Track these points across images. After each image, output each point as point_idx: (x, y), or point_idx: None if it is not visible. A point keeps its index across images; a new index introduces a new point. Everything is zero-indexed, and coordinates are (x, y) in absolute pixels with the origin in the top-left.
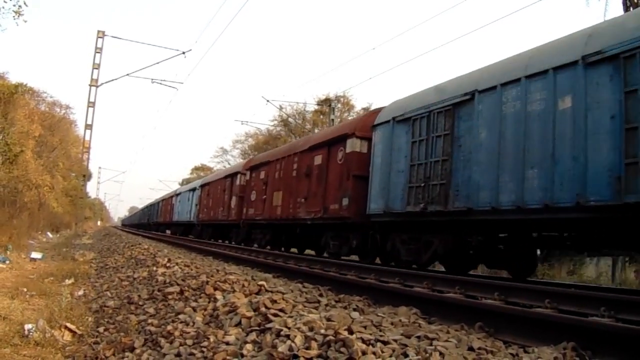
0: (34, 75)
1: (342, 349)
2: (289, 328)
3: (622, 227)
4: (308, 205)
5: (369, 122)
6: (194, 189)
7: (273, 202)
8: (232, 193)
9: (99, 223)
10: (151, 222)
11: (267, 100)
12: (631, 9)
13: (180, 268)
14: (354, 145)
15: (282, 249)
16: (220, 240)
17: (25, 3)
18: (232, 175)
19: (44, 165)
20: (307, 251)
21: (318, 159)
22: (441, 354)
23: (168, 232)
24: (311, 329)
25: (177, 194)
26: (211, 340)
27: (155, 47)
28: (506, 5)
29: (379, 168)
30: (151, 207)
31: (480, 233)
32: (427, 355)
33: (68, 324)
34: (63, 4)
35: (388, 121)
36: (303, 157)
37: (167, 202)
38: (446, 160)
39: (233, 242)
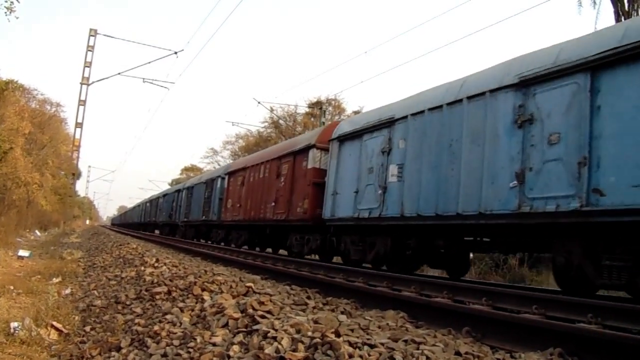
0: (25, 72)
1: (329, 352)
2: (276, 330)
3: None
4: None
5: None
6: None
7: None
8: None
9: (87, 222)
10: (176, 221)
11: (258, 102)
12: (622, 18)
13: (168, 268)
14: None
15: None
16: None
17: None
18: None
19: (33, 163)
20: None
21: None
22: (428, 358)
23: (157, 232)
24: (298, 331)
25: (308, 146)
26: (198, 341)
27: (147, 46)
28: (499, 11)
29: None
30: (172, 197)
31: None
32: (414, 359)
33: (54, 323)
34: (55, 1)
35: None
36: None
37: (252, 172)
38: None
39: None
